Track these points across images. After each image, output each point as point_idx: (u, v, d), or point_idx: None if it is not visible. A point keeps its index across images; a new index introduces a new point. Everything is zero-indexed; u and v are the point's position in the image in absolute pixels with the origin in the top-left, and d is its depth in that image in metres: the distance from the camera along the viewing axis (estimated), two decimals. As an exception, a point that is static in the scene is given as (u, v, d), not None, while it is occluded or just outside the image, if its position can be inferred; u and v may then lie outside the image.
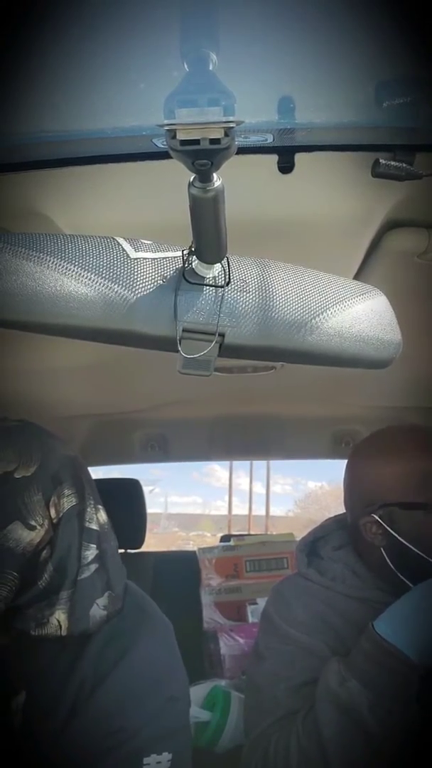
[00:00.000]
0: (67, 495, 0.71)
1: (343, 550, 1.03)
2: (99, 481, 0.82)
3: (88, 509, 0.73)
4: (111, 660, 0.71)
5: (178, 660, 0.78)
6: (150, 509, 1.73)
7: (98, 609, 0.71)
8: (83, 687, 0.69)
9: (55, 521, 0.69)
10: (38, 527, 0.67)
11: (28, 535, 0.66)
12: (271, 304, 0.62)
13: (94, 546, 0.73)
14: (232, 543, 1.92)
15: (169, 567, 1.93)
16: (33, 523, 0.67)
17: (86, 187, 0.75)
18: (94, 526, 0.73)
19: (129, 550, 1.73)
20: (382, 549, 0.95)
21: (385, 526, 0.95)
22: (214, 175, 0.48)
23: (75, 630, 0.68)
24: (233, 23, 0.47)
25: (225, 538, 2.29)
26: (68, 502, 0.71)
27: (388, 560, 0.94)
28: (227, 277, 0.62)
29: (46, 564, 0.67)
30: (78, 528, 0.71)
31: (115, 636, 0.73)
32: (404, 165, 0.66)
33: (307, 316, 0.63)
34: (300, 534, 1.38)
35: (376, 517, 0.96)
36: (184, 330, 0.60)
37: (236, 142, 0.45)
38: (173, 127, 0.44)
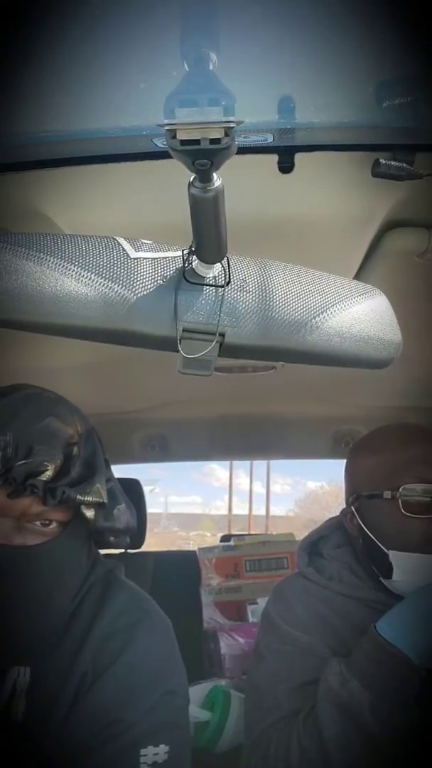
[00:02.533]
0: (84, 421, 0.78)
1: (342, 548, 1.03)
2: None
3: (98, 444, 0.79)
4: (111, 654, 0.72)
5: (177, 656, 0.79)
6: (150, 509, 1.73)
7: (120, 513, 0.76)
8: (84, 679, 0.71)
9: (80, 431, 0.75)
10: (70, 427, 0.74)
11: (66, 429, 0.72)
12: (271, 303, 0.62)
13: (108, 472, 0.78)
14: (232, 543, 1.92)
15: (169, 567, 1.93)
16: (67, 422, 0.73)
17: (86, 186, 0.76)
18: (105, 457, 0.79)
19: (129, 550, 1.72)
20: (360, 541, 0.98)
21: (357, 517, 0.98)
22: (214, 175, 0.48)
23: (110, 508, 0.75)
24: (233, 23, 0.47)
25: (225, 538, 2.29)
26: (86, 425, 0.78)
27: (365, 552, 0.97)
28: (227, 276, 0.62)
29: (78, 459, 0.72)
30: (97, 443, 0.78)
31: (116, 631, 0.75)
32: (404, 165, 0.66)
33: (307, 315, 0.63)
34: (300, 534, 1.38)
35: (353, 509, 0.99)
36: (184, 330, 0.60)
37: (236, 142, 0.45)
38: (173, 126, 0.44)
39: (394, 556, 0.91)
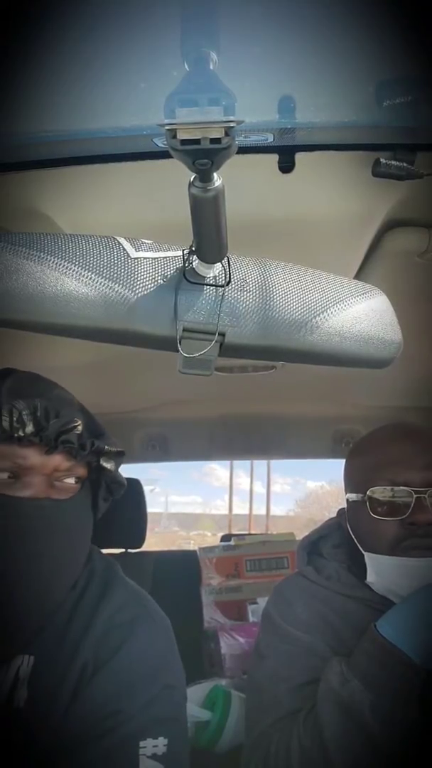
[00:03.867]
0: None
1: (341, 548, 1.03)
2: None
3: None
4: (111, 647, 0.74)
5: (176, 653, 0.80)
6: (150, 509, 1.73)
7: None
8: (85, 671, 0.72)
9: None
10: (73, 397, 0.81)
11: (73, 397, 0.80)
12: (272, 303, 0.62)
13: None
14: (232, 542, 1.92)
15: (169, 566, 1.93)
16: (68, 393, 0.81)
17: (87, 186, 0.76)
18: None
19: (130, 550, 1.72)
20: (349, 541, 1.00)
21: (346, 519, 1.01)
22: (215, 174, 0.48)
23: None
24: (234, 23, 0.47)
25: (225, 538, 2.29)
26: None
27: (353, 553, 0.99)
28: (228, 276, 0.62)
29: (91, 419, 0.80)
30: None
31: (115, 626, 0.76)
32: (405, 164, 0.66)
33: (307, 315, 0.63)
34: (301, 533, 1.38)
35: (345, 510, 1.02)
36: (184, 329, 0.60)
37: (236, 142, 0.45)
38: (174, 126, 0.44)
39: (368, 557, 0.93)
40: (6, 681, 0.71)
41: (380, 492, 0.93)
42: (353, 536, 0.97)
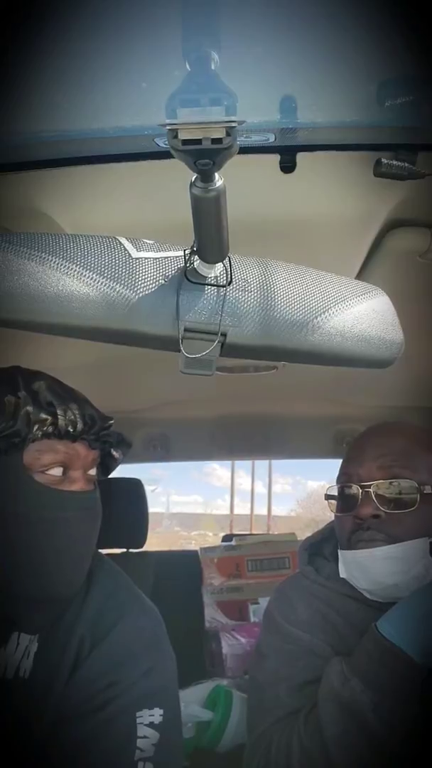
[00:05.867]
0: None
1: None
2: (101, 481, 0.85)
3: None
4: (106, 626, 0.80)
5: (164, 633, 0.86)
6: (152, 509, 1.73)
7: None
8: (82, 646, 0.78)
9: None
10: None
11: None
12: (273, 303, 0.62)
13: None
14: (234, 542, 1.92)
15: (171, 566, 1.92)
16: None
17: (88, 186, 0.76)
18: None
19: (131, 550, 1.72)
20: None
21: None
22: (216, 174, 0.48)
23: None
24: (235, 23, 0.47)
25: (227, 538, 2.29)
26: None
27: None
28: (229, 276, 0.62)
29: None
30: None
31: (108, 608, 0.82)
32: (406, 164, 0.66)
33: (308, 315, 0.63)
34: (302, 533, 1.39)
35: None
36: (185, 329, 0.60)
37: (238, 142, 0.45)
38: (175, 126, 0.44)
39: (339, 553, 0.97)
40: (15, 657, 0.77)
41: (338, 489, 0.97)
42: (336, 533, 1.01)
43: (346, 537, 0.94)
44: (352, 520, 0.92)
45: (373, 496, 0.91)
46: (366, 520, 0.90)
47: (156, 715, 0.74)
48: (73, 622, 0.79)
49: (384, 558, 0.88)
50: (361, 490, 0.92)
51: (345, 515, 0.94)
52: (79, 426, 0.76)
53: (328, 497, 0.99)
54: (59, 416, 0.75)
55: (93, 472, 0.81)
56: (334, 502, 0.99)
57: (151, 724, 0.74)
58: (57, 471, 0.76)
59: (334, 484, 0.99)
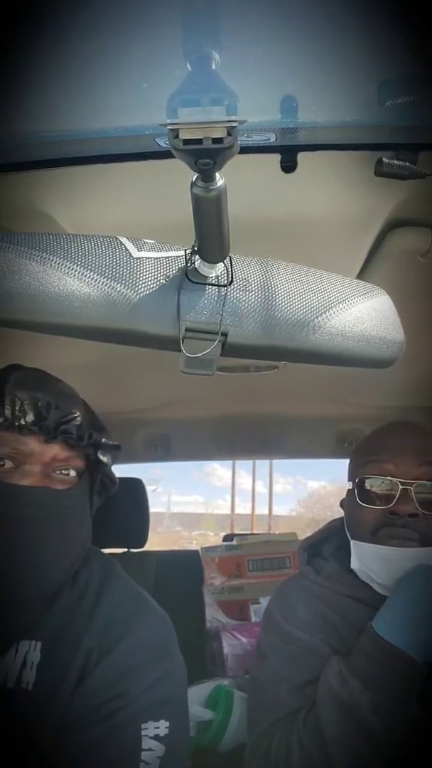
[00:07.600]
0: None
1: (343, 550, 1.03)
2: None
3: None
4: (113, 637, 0.78)
5: (174, 642, 0.84)
6: (153, 508, 1.73)
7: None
8: (90, 657, 0.76)
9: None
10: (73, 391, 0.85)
11: (74, 391, 0.84)
12: (274, 303, 0.62)
13: None
14: (234, 542, 1.92)
15: (172, 566, 1.92)
16: (70, 388, 0.85)
17: (89, 186, 0.76)
18: None
19: (132, 550, 1.72)
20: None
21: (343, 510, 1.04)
22: (217, 174, 0.48)
23: None
24: (236, 22, 0.47)
25: (228, 538, 2.29)
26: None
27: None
28: (230, 276, 0.62)
29: (91, 413, 0.85)
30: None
31: (117, 619, 0.80)
32: (407, 164, 0.66)
33: (309, 315, 0.63)
34: (303, 533, 1.39)
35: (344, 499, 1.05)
36: (186, 329, 0.60)
37: (239, 142, 0.45)
38: (176, 126, 0.44)
39: (353, 544, 0.96)
40: (15, 664, 0.74)
41: (369, 481, 0.95)
42: (345, 524, 1.00)
43: (370, 530, 0.92)
44: (383, 514, 0.91)
45: (412, 494, 0.90)
46: (402, 517, 0.90)
47: (162, 727, 0.73)
48: (80, 633, 0.77)
49: (415, 559, 0.88)
50: (400, 487, 0.91)
51: (374, 508, 0.93)
52: (29, 417, 0.73)
53: (357, 484, 0.96)
54: (6, 407, 0.73)
55: (70, 472, 0.78)
56: (349, 491, 0.98)
57: (156, 737, 0.72)
58: (8, 464, 0.74)
59: (333, 482, 1.00)
